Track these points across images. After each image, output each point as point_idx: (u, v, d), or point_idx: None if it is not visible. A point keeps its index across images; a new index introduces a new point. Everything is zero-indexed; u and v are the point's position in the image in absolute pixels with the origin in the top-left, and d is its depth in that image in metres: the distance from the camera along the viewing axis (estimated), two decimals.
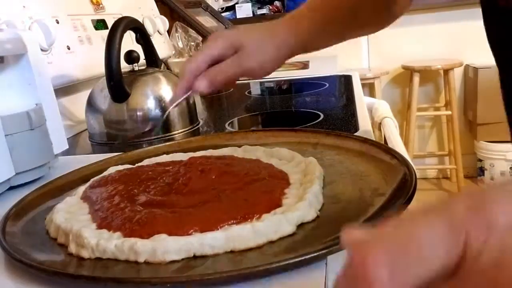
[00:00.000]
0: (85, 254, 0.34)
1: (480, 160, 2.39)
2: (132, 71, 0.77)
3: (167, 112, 0.54)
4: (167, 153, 0.56)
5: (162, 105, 0.74)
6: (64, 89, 0.85)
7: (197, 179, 0.44)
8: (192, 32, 1.19)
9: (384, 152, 0.46)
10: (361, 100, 0.88)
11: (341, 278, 0.17)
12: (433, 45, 2.42)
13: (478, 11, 0.50)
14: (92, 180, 0.48)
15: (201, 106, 1.00)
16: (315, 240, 0.32)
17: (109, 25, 0.76)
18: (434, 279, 0.17)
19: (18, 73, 0.56)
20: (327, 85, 1.09)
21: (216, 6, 2.29)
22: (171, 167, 0.49)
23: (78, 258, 0.34)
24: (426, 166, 2.60)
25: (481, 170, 2.41)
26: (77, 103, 0.87)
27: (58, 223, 0.38)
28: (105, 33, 0.79)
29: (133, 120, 0.73)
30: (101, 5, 1.02)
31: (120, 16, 0.90)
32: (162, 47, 1.22)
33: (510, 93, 0.49)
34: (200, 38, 1.20)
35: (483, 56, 1.59)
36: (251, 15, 2.56)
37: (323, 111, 0.79)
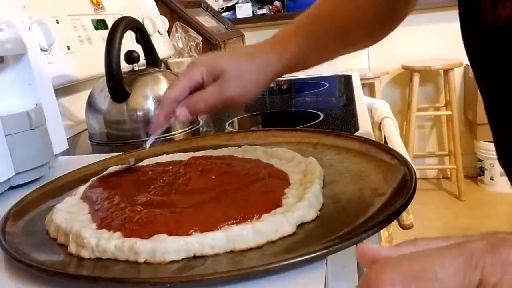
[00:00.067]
0: (85, 254, 0.34)
1: (480, 160, 2.39)
2: (132, 71, 0.77)
3: (148, 143, 0.51)
4: (167, 153, 0.56)
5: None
6: (64, 89, 0.85)
7: (197, 179, 0.44)
8: (192, 32, 1.19)
9: (384, 152, 0.46)
10: (361, 100, 0.88)
11: None
12: (433, 45, 2.42)
13: None
14: (91, 180, 0.48)
15: None
16: (315, 240, 0.32)
17: (109, 25, 0.76)
18: None
19: (18, 73, 0.56)
20: (327, 85, 1.09)
21: (216, 6, 2.29)
22: (171, 167, 0.49)
23: (78, 258, 0.34)
24: (426, 166, 2.60)
25: (481, 170, 2.41)
26: (77, 103, 0.87)
27: (58, 223, 0.38)
28: (105, 33, 0.79)
29: (133, 120, 0.73)
30: (101, 5, 1.02)
31: (120, 16, 0.90)
32: (162, 47, 1.22)
33: (492, 108, 0.50)
34: (200, 38, 1.20)
35: None
36: (251, 15, 2.56)
37: (323, 111, 0.79)
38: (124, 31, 0.72)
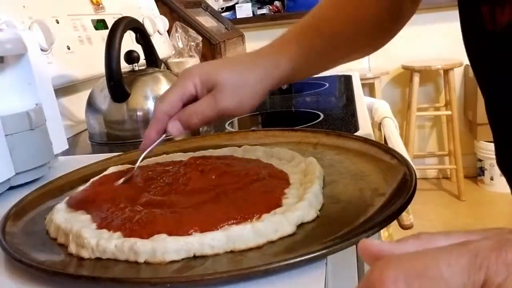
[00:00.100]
0: (85, 254, 0.34)
1: (480, 160, 2.39)
2: (132, 71, 0.77)
3: (140, 160, 0.47)
4: (167, 153, 0.56)
5: None
6: (64, 89, 0.85)
7: (197, 179, 0.44)
8: (192, 32, 1.19)
9: (384, 152, 0.46)
10: (361, 100, 0.88)
11: None
12: (433, 45, 2.42)
13: None
14: (91, 180, 0.48)
15: None
16: (315, 240, 0.32)
17: (109, 25, 0.76)
18: None
19: (18, 73, 0.56)
20: (327, 85, 1.09)
21: (216, 6, 2.29)
22: (171, 167, 0.49)
23: (78, 258, 0.34)
24: (426, 166, 2.60)
25: (481, 170, 2.41)
26: (77, 103, 0.87)
27: (58, 223, 0.38)
28: (105, 33, 0.79)
29: (133, 120, 0.73)
30: (101, 5, 1.02)
31: (120, 16, 0.90)
32: (162, 47, 1.22)
33: (492, 111, 0.49)
34: (200, 38, 1.20)
35: None
36: (251, 15, 2.56)
37: (323, 111, 0.79)
38: (124, 31, 0.72)
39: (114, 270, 0.32)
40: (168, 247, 0.32)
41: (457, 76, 2.39)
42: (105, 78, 0.72)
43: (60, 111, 0.64)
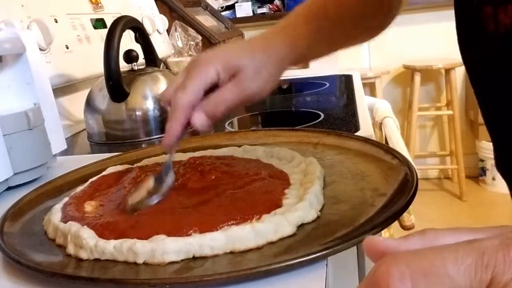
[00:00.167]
0: (84, 255, 0.34)
1: (482, 160, 2.39)
2: (131, 70, 0.77)
3: (168, 158, 0.43)
4: (166, 153, 0.56)
5: (161, 105, 0.74)
6: (62, 89, 0.85)
7: (196, 179, 0.44)
8: (191, 31, 1.18)
9: (385, 152, 0.46)
10: (362, 100, 0.88)
11: (362, 286, 0.18)
12: (434, 44, 2.42)
13: None
14: (90, 180, 0.48)
15: None
16: (315, 241, 0.32)
17: (108, 24, 0.76)
18: None
19: (17, 73, 0.56)
20: (328, 84, 1.08)
21: (216, 5, 2.29)
22: None
23: (76, 259, 0.34)
24: (428, 166, 2.60)
25: (483, 170, 2.40)
26: (76, 102, 0.87)
27: (57, 224, 0.38)
28: (104, 32, 0.79)
29: (132, 120, 0.73)
30: (100, 4, 1.02)
31: (119, 15, 0.90)
32: (162, 46, 1.21)
33: (489, 114, 0.49)
34: (200, 37, 1.20)
35: None
36: (251, 14, 2.56)
37: (324, 111, 0.79)
38: (123, 30, 0.72)
39: (113, 271, 0.32)
40: (167, 248, 0.32)
41: (458, 76, 2.38)
42: (104, 77, 0.72)
43: (59, 111, 0.64)
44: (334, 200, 0.39)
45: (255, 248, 0.32)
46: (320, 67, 1.36)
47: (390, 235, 0.99)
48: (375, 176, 0.42)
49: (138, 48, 0.81)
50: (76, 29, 0.90)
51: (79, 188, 0.46)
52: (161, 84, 0.76)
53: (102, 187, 0.46)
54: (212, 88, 0.43)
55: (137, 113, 0.73)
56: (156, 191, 0.40)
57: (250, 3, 2.56)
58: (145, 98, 0.73)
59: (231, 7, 2.57)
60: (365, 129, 0.65)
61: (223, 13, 2.22)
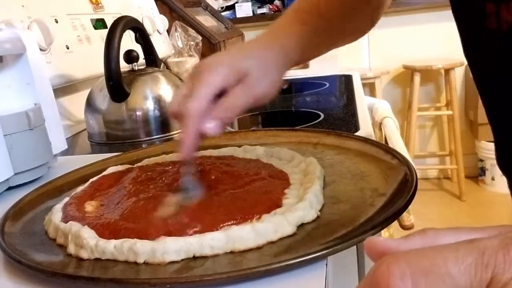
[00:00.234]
0: (84, 254, 0.34)
1: (481, 160, 2.39)
2: (132, 70, 0.77)
3: (188, 183, 0.41)
4: (167, 153, 0.56)
5: (161, 105, 0.74)
6: (63, 89, 0.85)
7: (196, 179, 0.44)
8: (191, 32, 1.18)
9: (384, 152, 0.46)
10: (362, 100, 0.88)
11: (362, 285, 0.18)
12: (434, 44, 2.42)
13: None
14: (90, 180, 0.48)
15: None
16: (315, 241, 0.32)
17: (108, 25, 0.76)
18: None
19: (17, 73, 0.56)
20: (328, 84, 1.09)
21: (216, 5, 2.29)
22: (170, 167, 0.49)
23: (77, 258, 0.34)
24: (427, 166, 2.60)
25: (482, 170, 2.40)
26: (76, 103, 0.87)
27: (57, 224, 0.38)
28: (104, 32, 0.79)
29: (132, 120, 0.73)
30: (100, 5, 1.02)
31: (119, 15, 0.90)
32: (162, 46, 1.21)
33: (492, 110, 0.49)
34: (200, 38, 1.20)
35: None
36: (251, 14, 2.56)
37: (324, 111, 0.79)
38: (123, 31, 0.72)
39: (114, 270, 0.32)
40: (167, 248, 0.32)
41: (458, 76, 2.39)
42: (104, 77, 0.72)
43: (59, 111, 0.64)
44: (334, 200, 0.39)
45: (255, 248, 0.32)
46: (320, 67, 1.36)
47: (389, 235, 0.99)
48: (374, 176, 0.42)
49: (138, 48, 0.81)
50: (77, 30, 0.90)
51: (80, 188, 0.46)
52: (161, 84, 0.76)
53: (102, 187, 0.46)
54: (219, 94, 0.42)
55: (138, 113, 0.73)
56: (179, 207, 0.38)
57: (250, 3, 2.56)
58: (146, 98, 0.73)
59: (231, 7, 2.57)
60: (365, 129, 0.65)
61: (223, 13, 2.22)
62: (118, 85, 0.72)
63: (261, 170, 0.45)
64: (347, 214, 0.36)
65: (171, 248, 0.32)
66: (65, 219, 0.38)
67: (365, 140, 0.50)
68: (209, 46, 1.31)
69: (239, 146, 0.54)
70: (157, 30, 1.22)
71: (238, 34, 1.61)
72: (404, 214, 0.65)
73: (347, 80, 1.13)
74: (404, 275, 0.17)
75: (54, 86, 0.67)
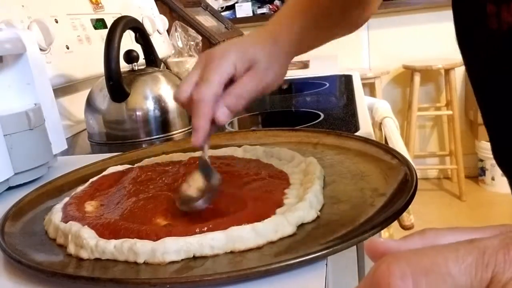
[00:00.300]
0: (84, 254, 0.34)
1: (481, 160, 2.39)
2: (132, 70, 0.77)
3: (206, 156, 0.42)
4: (167, 153, 0.56)
5: (161, 105, 0.74)
6: (63, 89, 0.85)
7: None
8: (191, 32, 1.18)
9: (384, 152, 0.46)
10: (362, 100, 0.88)
11: (362, 285, 0.18)
12: (434, 44, 2.42)
13: None
14: (90, 180, 0.48)
15: None
16: (315, 241, 0.32)
17: (108, 25, 0.76)
18: None
19: (17, 73, 0.56)
20: (328, 84, 1.09)
21: (216, 5, 2.29)
22: (170, 167, 0.49)
23: (77, 258, 0.34)
24: (427, 166, 2.60)
25: (482, 170, 2.40)
26: (76, 103, 0.87)
27: (57, 224, 0.38)
28: (104, 32, 0.79)
29: (132, 120, 0.73)
30: (100, 5, 1.02)
31: (120, 15, 0.90)
32: (162, 46, 1.21)
33: (487, 111, 0.50)
34: (200, 38, 1.20)
35: None
36: (251, 14, 2.56)
37: (324, 111, 0.79)
38: (123, 31, 0.72)
39: (114, 270, 0.32)
40: (167, 248, 0.32)
41: (458, 76, 2.39)
42: (104, 77, 0.72)
43: (59, 111, 0.64)
44: (334, 200, 0.39)
45: (255, 248, 0.32)
46: (320, 67, 1.36)
47: (389, 235, 0.99)
48: (374, 176, 0.42)
49: (138, 48, 0.81)
50: (77, 30, 0.90)
51: (80, 188, 0.46)
52: (161, 84, 0.76)
53: (102, 187, 0.46)
54: (227, 82, 0.43)
55: (138, 113, 0.73)
56: (203, 193, 0.39)
57: (250, 3, 2.56)
58: (146, 98, 0.73)
59: (231, 7, 2.57)
60: (365, 129, 0.65)
61: (223, 13, 2.22)
62: (118, 85, 0.72)
63: (261, 170, 0.45)
64: (347, 214, 0.36)
65: (171, 248, 0.32)
66: (65, 219, 0.38)
67: (365, 140, 0.50)
68: (209, 46, 1.31)
69: (239, 146, 0.54)
70: (157, 30, 1.22)
71: (238, 34, 1.61)
72: (404, 214, 0.65)
73: (347, 80, 1.13)
74: (405, 274, 0.17)
75: (54, 86, 0.67)
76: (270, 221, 0.34)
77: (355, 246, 0.42)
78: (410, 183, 0.37)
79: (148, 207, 0.39)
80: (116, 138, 0.74)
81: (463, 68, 2.46)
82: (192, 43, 1.16)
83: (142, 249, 0.32)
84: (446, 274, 0.17)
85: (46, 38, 0.77)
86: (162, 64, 1.15)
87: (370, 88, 2.40)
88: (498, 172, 2.29)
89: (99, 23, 0.98)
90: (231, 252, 0.32)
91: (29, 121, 0.53)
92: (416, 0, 2.31)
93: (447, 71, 2.30)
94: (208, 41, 1.30)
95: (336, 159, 0.48)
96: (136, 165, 0.52)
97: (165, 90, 0.75)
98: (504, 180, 0.53)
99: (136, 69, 0.78)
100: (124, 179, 0.47)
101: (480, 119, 2.27)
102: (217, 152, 0.53)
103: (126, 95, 0.72)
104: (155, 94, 0.74)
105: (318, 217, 0.36)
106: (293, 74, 1.30)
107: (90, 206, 0.42)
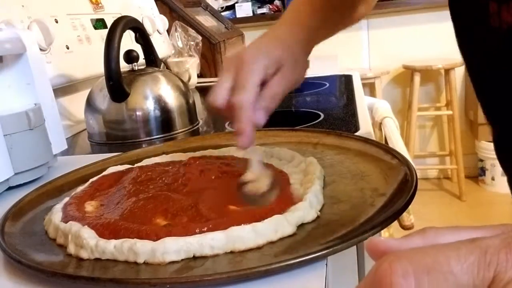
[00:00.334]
0: (84, 254, 0.34)
1: (481, 160, 2.39)
2: (132, 70, 0.77)
3: (253, 164, 0.44)
4: (167, 153, 0.56)
5: (161, 105, 0.74)
6: (63, 89, 0.85)
7: (196, 179, 0.44)
8: (191, 32, 1.18)
9: (384, 152, 0.46)
10: (362, 100, 0.88)
11: (363, 284, 0.18)
12: (433, 44, 2.42)
13: None
14: (90, 180, 0.48)
15: (200, 106, 0.99)
16: (315, 241, 0.32)
17: (108, 25, 0.76)
18: None
19: (17, 73, 0.56)
20: (328, 84, 1.09)
21: (216, 5, 2.29)
22: (170, 167, 0.49)
23: (77, 258, 0.34)
24: (427, 166, 2.60)
25: (482, 170, 2.40)
26: (76, 103, 0.87)
27: (57, 224, 0.38)
28: (104, 32, 0.79)
29: (132, 120, 0.73)
30: (100, 5, 1.02)
31: (120, 15, 0.90)
32: (162, 46, 1.21)
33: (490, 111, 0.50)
34: (200, 38, 1.20)
35: None
36: (251, 14, 2.56)
37: (324, 111, 0.79)
38: (123, 31, 0.72)
39: (114, 270, 0.32)
40: (167, 248, 0.32)
41: (458, 76, 2.39)
42: (104, 77, 0.72)
43: (59, 111, 0.64)
44: (334, 200, 0.39)
45: (255, 248, 0.32)
46: (320, 67, 1.36)
47: (389, 235, 0.99)
48: (374, 176, 0.42)
49: (138, 48, 0.81)
50: (77, 30, 0.90)
51: (80, 188, 0.46)
52: (161, 84, 0.76)
53: (102, 187, 0.46)
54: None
55: (138, 113, 0.73)
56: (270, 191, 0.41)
57: (250, 3, 2.56)
58: (146, 98, 0.73)
59: (231, 7, 2.57)
60: (365, 129, 0.65)
61: (223, 13, 2.22)
62: (118, 85, 0.72)
63: None
64: (347, 214, 0.36)
65: (171, 248, 0.32)
66: (65, 219, 0.38)
67: (365, 140, 0.50)
68: (209, 46, 1.31)
69: None
70: (157, 30, 1.22)
71: (238, 34, 1.61)
72: (404, 214, 0.65)
73: (347, 80, 1.13)
74: (407, 272, 0.17)
75: (54, 86, 0.67)
76: (270, 221, 0.34)
77: (355, 246, 0.42)
78: (410, 183, 0.37)
79: (148, 207, 0.39)
80: (116, 138, 0.74)
81: (463, 68, 2.47)
82: (192, 43, 1.16)
83: (142, 249, 0.32)
84: (448, 273, 0.17)
85: (46, 38, 0.77)
86: (162, 64, 1.15)
87: (370, 88, 2.40)
88: (498, 172, 2.29)
89: (99, 23, 0.98)
90: (231, 252, 0.32)
91: (29, 121, 0.53)
92: (416, 0, 2.31)
93: (447, 71, 2.30)
94: (208, 41, 1.30)
95: (336, 159, 0.48)
96: (136, 165, 0.52)
97: (165, 90, 0.75)
98: (504, 180, 0.53)
99: (136, 69, 0.78)
100: (124, 179, 0.47)
101: (480, 119, 2.27)
102: (217, 152, 0.53)
103: (126, 95, 0.73)
104: (155, 94, 0.74)
105: (318, 217, 0.36)
106: None
107: (90, 206, 0.42)
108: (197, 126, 0.80)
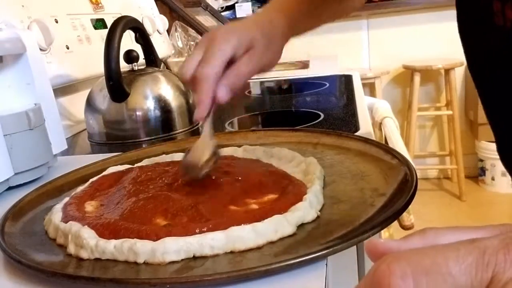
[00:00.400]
0: (84, 254, 0.34)
1: (481, 160, 2.39)
2: (132, 70, 0.77)
3: (206, 131, 0.45)
4: (167, 153, 0.56)
5: (161, 105, 0.74)
6: (63, 89, 0.85)
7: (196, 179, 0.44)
8: (191, 32, 1.19)
9: (384, 152, 0.46)
10: (362, 100, 0.88)
11: (362, 284, 0.18)
12: (434, 44, 2.42)
13: None
14: (90, 180, 0.48)
15: None
16: (315, 241, 0.32)
17: (108, 25, 0.76)
18: None
19: (17, 73, 0.56)
20: (328, 84, 1.09)
21: (216, 5, 2.29)
22: (170, 167, 0.49)
23: (77, 258, 0.34)
24: (427, 166, 2.60)
25: (482, 170, 2.40)
26: (76, 103, 0.87)
27: (57, 224, 0.38)
28: (104, 32, 0.79)
29: (132, 120, 0.73)
30: (100, 5, 1.02)
31: (120, 15, 0.90)
32: (162, 46, 1.21)
33: (491, 106, 0.50)
34: (200, 38, 1.20)
35: None
36: (251, 14, 2.56)
37: (324, 111, 0.79)
38: (123, 31, 0.72)
39: (114, 270, 0.32)
40: (167, 248, 0.32)
41: (458, 76, 2.39)
42: (104, 77, 0.72)
43: (59, 111, 0.64)
44: (334, 200, 0.39)
45: (255, 248, 0.32)
46: (320, 67, 1.36)
47: (389, 235, 0.99)
48: (374, 176, 0.42)
49: (138, 48, 0.81)
50: (77, 30, 0.90)
51: (80, 188, 0.46)
52: (161, 84, 0.76)
53: (102, 187, 0.46)
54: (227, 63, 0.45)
55: (138, 113, 0.73)
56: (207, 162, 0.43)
57: (250, 3, 2.56)
58: (146, 98, 0.73)
59: (231, 7, 2.57)
60: (365, 129, 0.65)
61: (223, 13, 2.22)
62: (118, 85, 0.72)
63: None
64: (347, 214, 0.36)
65: (171, 248, 0.32)
66: (65, 219, 0.38)
67: (365, 140, 0.50)
68: None
69: (239, 146, 0.54)
70: (157, 30, 1.22)
71: None
72: (404, 214, 0.65)
73: (347, 80, 1.13)
74: (405, 274, 0.17)
75: (54, 86, 0.67)
76: (270, 221, 0.34)
77: (355, 246, 0.42)
78: (410, 183, 0.37)
79: (148, 207, 0.39)
80: (116, 138, 0.74)
81: (463, 68, 2.47)
82: (192, 43, 1.16)
83: (142, 249, 0.32)
84: (447, 274, 0.17)
85: (46, 38, 0.77)
86: (162, 64, 1.15)
87: (370, 88, 2.40)
88: (498, 172, 2.29)
89: (99, 23, 0.98)
90: (231, 252, 0.32)
91: (29, 121, 0.53)
92: (416, 0, 2.31)
93: (447, 71, 2.30)
94: None
95: (336, 159, 0.48)
96: (136, 165, 0.52)
97: (165, 90, 0.75)
98: (504, 180, 0.53)
99: (136, 69, 0.78)
100: (124, 179, 0.47)
101: (480, 119, 2.27)
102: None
103: (126, 95, 0.72)
104: (155, 94, 0.74)
105: (318, 217, 0.36)
106: (293, 74, 1.30)
107: (90, 206, 0.42)
108: (197, 126, 0.80)
